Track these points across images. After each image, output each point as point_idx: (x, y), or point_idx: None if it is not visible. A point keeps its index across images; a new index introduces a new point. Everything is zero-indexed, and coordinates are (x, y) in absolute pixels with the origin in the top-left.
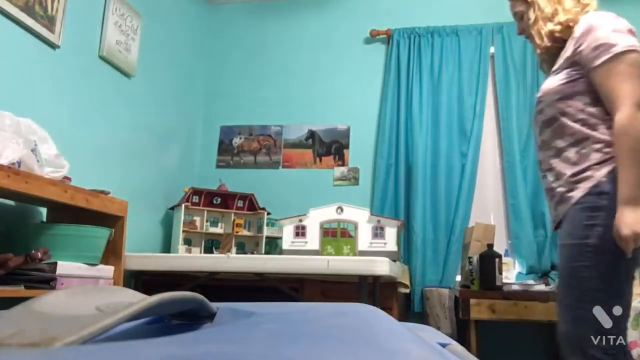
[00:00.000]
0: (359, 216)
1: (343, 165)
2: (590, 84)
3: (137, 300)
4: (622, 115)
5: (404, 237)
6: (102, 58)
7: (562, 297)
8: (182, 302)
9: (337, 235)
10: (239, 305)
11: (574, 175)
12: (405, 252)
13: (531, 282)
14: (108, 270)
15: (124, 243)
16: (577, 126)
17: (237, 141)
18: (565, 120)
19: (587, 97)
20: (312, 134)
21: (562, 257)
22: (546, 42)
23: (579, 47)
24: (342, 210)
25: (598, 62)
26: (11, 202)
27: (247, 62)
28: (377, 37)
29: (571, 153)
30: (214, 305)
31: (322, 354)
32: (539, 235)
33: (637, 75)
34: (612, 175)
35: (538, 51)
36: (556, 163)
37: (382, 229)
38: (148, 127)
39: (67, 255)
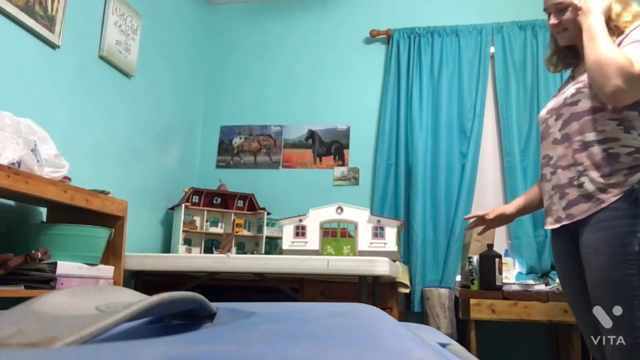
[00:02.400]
0: (359, 216)
1: (343, 165)
2: None
3: (137, 300)
4: (633, 64)
5: (404, 237)
6: (102, 58)
7: (608, 306)
8: (182, 302)
9: (337, 235)
10: (239, 305)
11: (604, 176)
12: (405, 252)
13: (531, 282)
14: (108, 270)
15: (123, 243)
16: (612, 124)
17: (237, 141)
18: (601, 115)
19: None
20: (312, 134)
21: (597, 265)
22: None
23: (620, 43)
24: (342, 210)
25: (628, 47)
26: (11, 202)
27: (247, 62)
28: (377, 37)
29: (597, 150)
30: (214, 305)
31: (322, 354)
32: (539, 235)
33: None
34: None
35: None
36: (582, 158)
37: (382, 229)
38: (148, 127)
39: (67, 255)
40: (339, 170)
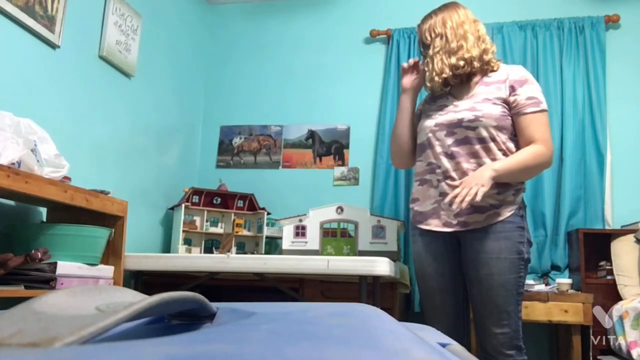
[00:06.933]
0: (359, 216)
1: (343, 165)
2: (513, 123)
3: (137, 300)
4: (544, 148)
5: (404, 237)
6: (102, 58)
7: (503, 303)
8: (182, 302)
9: (337, 235)
10: (239, 305)
11: (499, 194)
12: (405, 252)
13: (531, 282)
14: (108, 270)
15: (123, 243)
16: (500, 154)
17: (237, 141)
18: (493, 145)
19: (509, 133)
20: (312, 134)
21: (499, 268)
22: (447, 73)
23: (514, 91)
24: (342, 210)
25: (529, 110)
26: (11, 202)
27: (247, 62)
28: (377, 37)
29: None
30: (214, 305)
31: (322, 354)
32: (539, 235)
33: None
34: (522, 202)
35: (435, 76)
36: None
37: (382, 229)
38: (148, 127)
39: (67, 255)
40: (339, 170)
